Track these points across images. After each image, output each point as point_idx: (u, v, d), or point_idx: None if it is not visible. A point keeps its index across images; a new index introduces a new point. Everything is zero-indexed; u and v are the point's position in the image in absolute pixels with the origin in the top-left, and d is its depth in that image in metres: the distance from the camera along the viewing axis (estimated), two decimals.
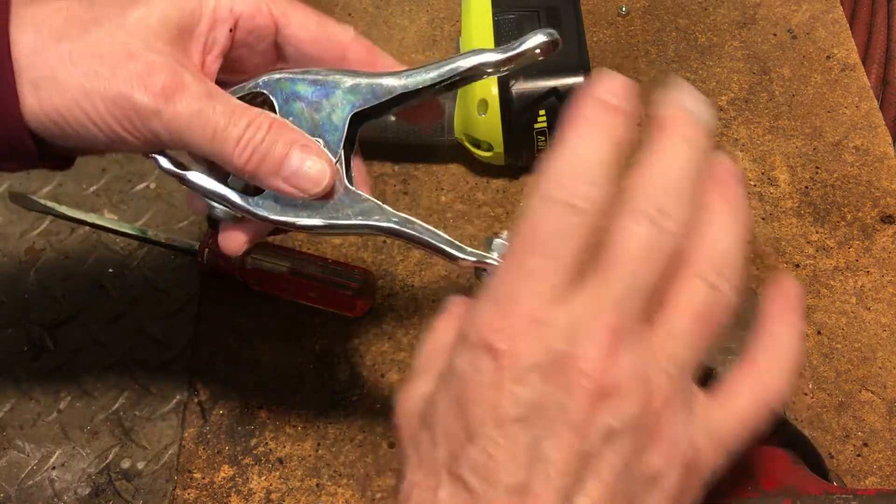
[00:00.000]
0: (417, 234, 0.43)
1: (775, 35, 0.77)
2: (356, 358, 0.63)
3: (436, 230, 0.43)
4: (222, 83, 0.44)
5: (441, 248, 0.43)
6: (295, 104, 0.44)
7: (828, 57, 0.76)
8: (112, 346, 0.65)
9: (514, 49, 0.42)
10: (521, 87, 0.64)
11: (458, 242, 0.43)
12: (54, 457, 0.60)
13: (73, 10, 0.40)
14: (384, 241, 0.68)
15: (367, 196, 0.44)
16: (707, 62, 0.76)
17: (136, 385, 0.63)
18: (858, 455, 0.57)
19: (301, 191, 0.42)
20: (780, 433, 0.44)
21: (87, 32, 0.39)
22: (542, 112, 0.64)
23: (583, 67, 0.64)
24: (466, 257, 0.43)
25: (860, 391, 0.59)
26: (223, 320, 0.65)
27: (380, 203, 0.43)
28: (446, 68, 0.43)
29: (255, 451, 0.60)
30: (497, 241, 0.42)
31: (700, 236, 0.32)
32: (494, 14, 0.68)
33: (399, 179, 0.71)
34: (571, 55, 0.65)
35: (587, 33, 0.76)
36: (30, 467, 0.60)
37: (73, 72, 0.39)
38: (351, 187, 0.44)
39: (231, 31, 0.43)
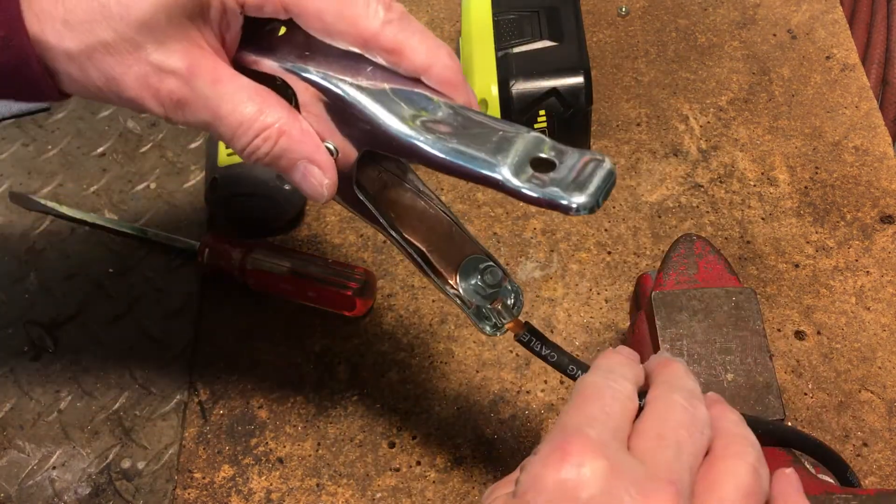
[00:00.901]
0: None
1: (775, 35, 0.77)
2: (356, 358, 0.63)
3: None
4: (250, 60, 0.43)
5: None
6: (317, 104, 0.42)
7: (827, 57, 0.76)
8: (112, 346, 0.65)
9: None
10: (521, 87, 0.64)
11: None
12: (54, 457, 0.60)
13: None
14: (384, 241, 0.68)
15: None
16: (707, 62, 0.76)
17: (136, 385, 0.63)
18: (858, 455, 0.57)
19: (308, 196, 0.43)
20: (802, 447, 0.45)
21: (96, 26, 0.39)
22: (542, 112, 0.65)
23: (583, 67, 0.64)
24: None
25: (860, 391, 0.59)
26: (223, 320, 0.65)
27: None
28: (473, 169, 0.38)
29: (255, 451, 0.60)
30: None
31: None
32: (494, 14, 0.68)
33: None
34: (571, 55, 0.65)
35: (587, 33, 0.76)
36: (30, 467, 0.60)
37: (90, 74, 0.40)
38: (358, 194, 0.44)
39: (241, 13, 0.41)
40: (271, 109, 0.41)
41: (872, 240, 0.66)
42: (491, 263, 0.47)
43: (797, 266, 0.65)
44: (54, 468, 0.60)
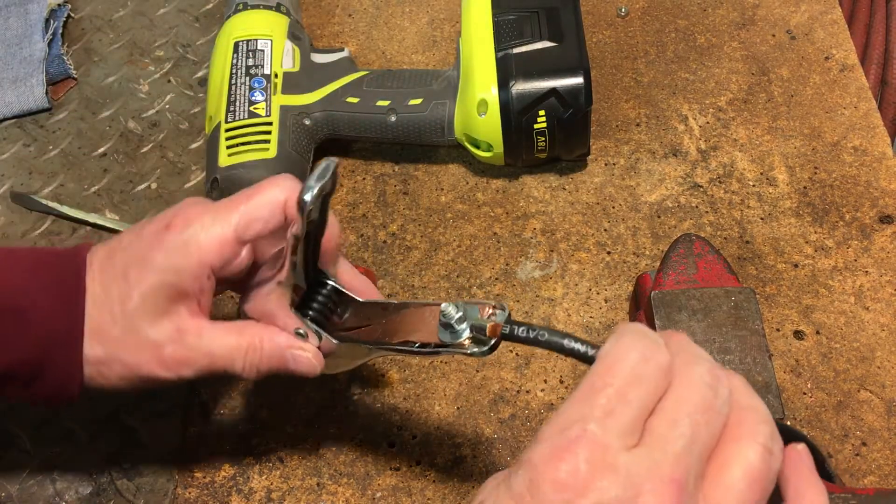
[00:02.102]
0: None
1: (774, 36, 0.77)
2: None
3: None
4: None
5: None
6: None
7: (826, 57, 0.76)
8: None
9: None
10: (520, 87, 0.64)
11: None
12: (55, 457, 0.61)
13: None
14: (384, 241, 0.68)
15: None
16: (706, 63, 0.76)
17: None
18: (857, 454, 0.57)
19: (305, 375, 0.51)
20: (783, 438, 0.44)
21: (109, 329, 0.49)
22: (541, 112, 0.65)
23: (582, 68, 0.64)
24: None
25: (859, 391, 0.60)
26: (223, 320, 0.65)
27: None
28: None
29: (255, 451, 0.60)
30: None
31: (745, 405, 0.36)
32: (494, 14, 0.68)
33: (399, 179, 0.71)
34: (571, 55, 0.65)
35: (587, 33, 0.77)
36: (31, 467, 0.60)
37: (112, 368, 0.49)
38: (333, 341, 0.50)
39: (209, 276, 0.49)
40: (247, 331, 0.50)
41: (871, 240, 0.66)
42: (444, 309, 0.47)
43: (796, 266, 0.65)
44: (55, 468, 0.60)
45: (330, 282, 0.52)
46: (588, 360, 0.39)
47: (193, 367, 0.49)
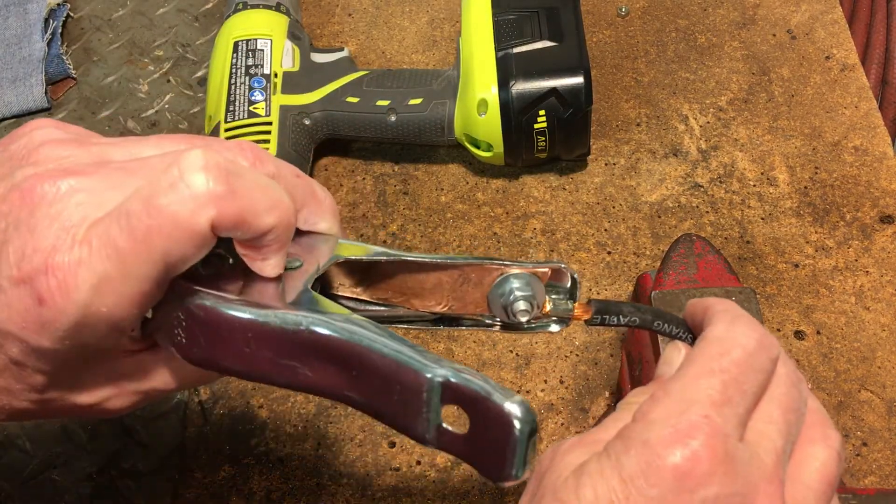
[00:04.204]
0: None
1: (775, 35, 0.77)
2: None
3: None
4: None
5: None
6: None
7: (827, 57, 0.76)
8: None
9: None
10: (521, 87, 0.64)
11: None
12: (56, 456, 0.61)
13: None
14: (384, 241, 0.68)
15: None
16: (706, 62, 0.76)
17: None
18: (858, 455, 0.57)
19: None
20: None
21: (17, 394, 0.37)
22: (541, 112, 0.65)
23: (583, 67, 0.64)
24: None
25: (859, 391, 0.59)
26: None
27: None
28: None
29: (255, 451, 0.60)
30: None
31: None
32: (494, 14, 0.68)
33: (399, 179, 0.71)
34: (571, 55, 0.65)
35: (587, 33, 0.76)
36: (31, 467, 0.60)
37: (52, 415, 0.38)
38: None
39: (132, 329, 0.37)
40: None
41: (872, 240, 0.66)
42: (504, 274, 0.39)
43: (797, 266, 0.65)
44: (55, 468, 0.60)
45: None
46: (679, 339, 0.37)
47: (155, 399, 0.40)
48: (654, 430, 0.31)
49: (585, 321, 0.38)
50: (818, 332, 0.62)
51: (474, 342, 0.63)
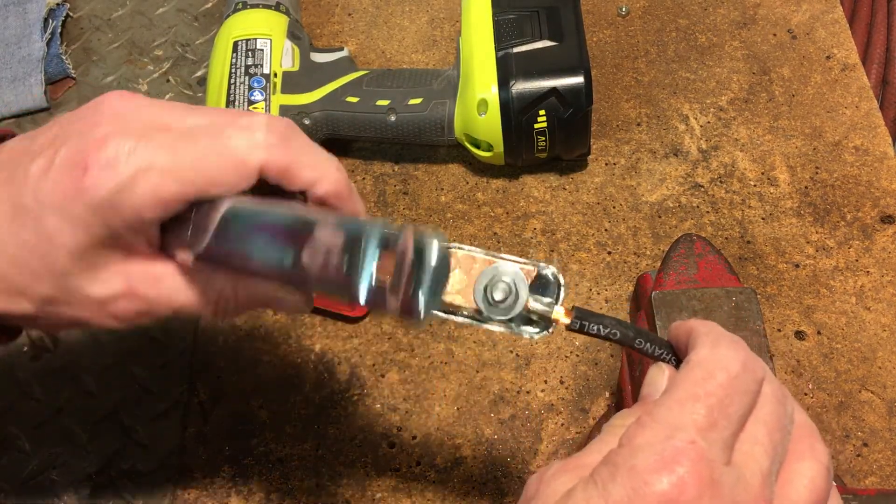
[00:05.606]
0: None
1: (775, 35, 0.77)
2: (356, 358, 0.63)
3: None
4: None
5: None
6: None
7: (828, 57, 0.76)
8: (112, 346, 0.65)
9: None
10: (521, 87, 0.64)
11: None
12: (55, 456, 0.60)
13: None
14: None
15: None
16: (707, 62, 0.76)
17: (136, 385, 0.63)
18: (858, 455, 0.57)
19: (294, 314, 0.43)
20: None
21: (35, 286, 0.39)
22: (541, 112, 0.64)
23: (583, 67, 0.64)
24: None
25: (860, 391, 0.59)
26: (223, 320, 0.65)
27: None
28: None
29: (255, 451, 0.60)
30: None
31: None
32: (494, 14, 0.68)
33: (399, 179, 0.71)
34: (571, 55, 0.65)
35: (587, 33, 0.76)
36: (30, 467, 0.60)
37: (54, 322, 0.41)
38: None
39: (154, 228, 0.40)
40: (215, 277, 0.41)
41: (873, 240, 0.66)
42: (494, 275, 0.40)
43: (797, 266, 0.65)
44: (54, 468, 0.60)
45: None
46: (661, 360, 0.38)
47: (153, 318, 0.41)
48: (641, 457, 0.31)
49: (566, 326, 0.38)
50: (819, 333, 0.62)
51: (474, 342, 0.63)
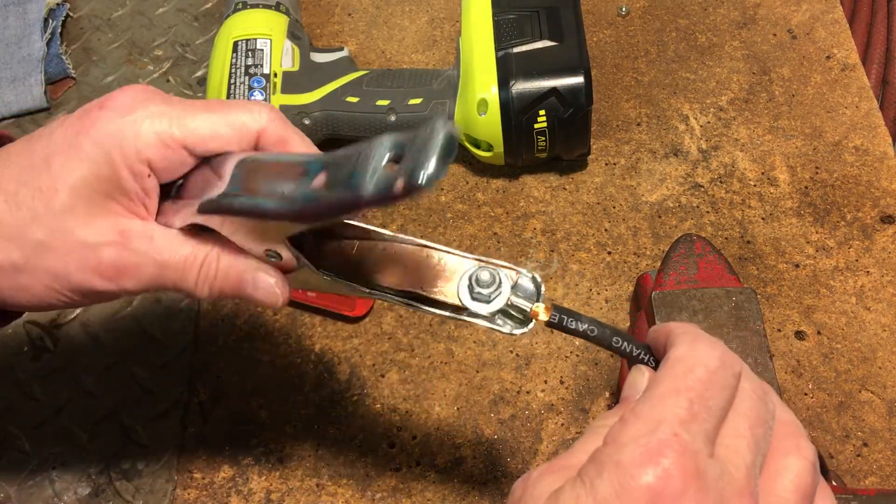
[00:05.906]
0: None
1: (775, 35, 0.77)
2: (356, 358, 0.63)
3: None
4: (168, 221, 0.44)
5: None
6: (240, 223, 0.42)
7: (828, 57, 0.76)
8: (112, 346, 0.65)
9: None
10: (521, 86, 0.64)
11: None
12: (55, 457, 0.60)
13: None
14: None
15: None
16: (707, 62, 0.76)
17: (136, 385, 0.63)
18: (858, 455, 0.57)
19: (265, 305, 0.44)
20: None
21: (28, 230, 0.40)
22: (541, 112, 0.64)
23: (583, 67, 0.64)
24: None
25: (860, 391, 0.59)
26: (223, 320, 0.65)
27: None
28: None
29: (255, 451, 0.60)
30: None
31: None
32: (494, 14, 0.68)
33: None
34: (571, 55, 0.65)
35: (587, 33, 0.76)
36: (30, 467, 0.60)
37: (37, 277, 0.41)
38: (323, 276, 0.43)
39: (149, 175, 0.41)
40: (203, 242, 0.42)
41: (873, 240, 0.66)
42: (480, 266, 0.43)
43: (797, 266, 0.65)
44: (54, 468, 0.60)
45: None
46: (639, 362, 0.39)
47: (138, 278, 0.42)
48: (626, 452, 0.32)
49: (545, 322, 0.40)
50: (819, 333, 0.62)
51: (474, 342, 0.63)
